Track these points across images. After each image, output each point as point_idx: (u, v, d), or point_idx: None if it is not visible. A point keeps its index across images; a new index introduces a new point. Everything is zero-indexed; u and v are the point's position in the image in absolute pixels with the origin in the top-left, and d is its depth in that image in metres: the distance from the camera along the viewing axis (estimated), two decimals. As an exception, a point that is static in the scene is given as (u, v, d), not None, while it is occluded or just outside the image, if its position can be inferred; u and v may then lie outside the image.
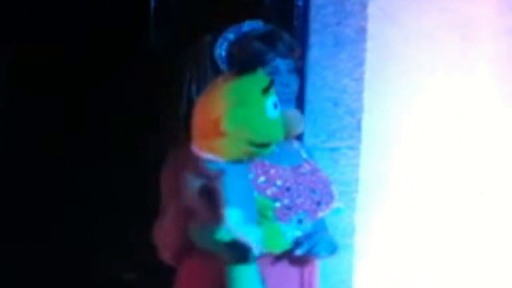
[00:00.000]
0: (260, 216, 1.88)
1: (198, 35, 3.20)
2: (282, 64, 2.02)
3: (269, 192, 1.94)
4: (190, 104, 2.10)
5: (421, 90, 2.74)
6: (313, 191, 2.04)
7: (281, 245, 1.89)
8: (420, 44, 2.96)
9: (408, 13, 3.02)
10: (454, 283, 2.86)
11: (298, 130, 1.98)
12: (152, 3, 3.55)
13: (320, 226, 2.10)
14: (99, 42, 3.94)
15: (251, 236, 1.75)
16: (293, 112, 1.96)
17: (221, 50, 2.05)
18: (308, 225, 2.02)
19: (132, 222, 3.86)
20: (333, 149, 2.82)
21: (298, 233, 1.98)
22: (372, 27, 2.91)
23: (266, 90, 1.80)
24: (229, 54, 2.04)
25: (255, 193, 1.90)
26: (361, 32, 2.89)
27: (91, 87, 3.99)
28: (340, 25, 2.88)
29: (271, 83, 1.82)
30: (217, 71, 2.06)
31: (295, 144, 2.16)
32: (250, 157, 1.84)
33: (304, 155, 2.15)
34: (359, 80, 2.85)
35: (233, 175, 1.80)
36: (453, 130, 2.79)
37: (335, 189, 2.11)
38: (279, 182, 1.97)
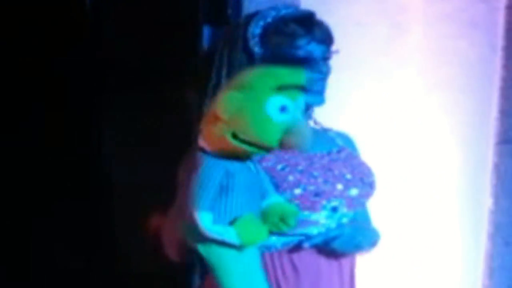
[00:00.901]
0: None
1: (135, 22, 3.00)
2: (317, 49, 2.03)
3: (291, 178, 1.94)
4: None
5: (350, 76, 2.67)
6: (344, 176, 2.03)
7: (257, 238, 1.81)
8: (350, 31, 2.82)
9: (339, 1, 2.88)
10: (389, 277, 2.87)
11: (300, 145, 1.81)
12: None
13: (362, 218, 2.14)
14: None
15: (227, 236, 1.76)
16: (302, 126, 1.80)
17: (255, 30, 2.04)
18: (346, 214, 2.02)
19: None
20: None
21: (332, 223, 1.99)
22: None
23: (279, 88, 1.76)
24: (264, 35, 2.03)
25: (277, 197, 1.90)
26: None
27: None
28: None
29: (289, 86, 1.78)
30: (249, 56, 2.04)
31: (331, 132, 2.19)
32: (234, 154, 1.79)
33: (340, 143, 2.17)
34: None
35: (208, 170, 1.79)
36: (379, 118, 2.79)
37: (374, 177, 2.11)
38: (300, 167, 1.97)
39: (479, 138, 3.00)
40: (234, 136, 1.75)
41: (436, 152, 3.01)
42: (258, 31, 2.05)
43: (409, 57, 2.91)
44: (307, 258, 2.00)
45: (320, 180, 1.97)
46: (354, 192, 2.02)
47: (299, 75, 1.81)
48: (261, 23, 2.06)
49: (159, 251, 3.14)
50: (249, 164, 1.85)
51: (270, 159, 1.96)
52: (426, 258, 3.04)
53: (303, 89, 1.81)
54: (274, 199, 1.88)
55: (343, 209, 2.01)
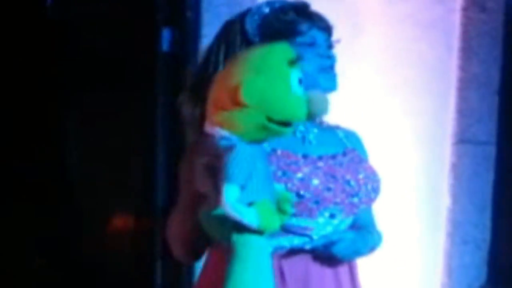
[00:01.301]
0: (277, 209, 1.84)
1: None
2: (320, 36, 2.03)
3: (289, 185, 1.92)
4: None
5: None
6: (348, 183, 2.01)
7: (274, 223, 1.78)
8: None
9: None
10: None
11: (323, 112, 1.89)
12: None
13: (367, 220, 2.16)
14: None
15: (246, 217, 1.72)
16: (319, 93, 1.86)
17: (254, 22, 2.02)
18: (345, 220, 2.02)
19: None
20: None
21: (329, 229, 1.99)
22: None
23: (293, 62, 1.77)
24: (263, 25, 2.01)
25: (276, 185, 1.88)
26: None
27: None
28: (231, 16, 2.55)
29: (299, 56, 1.79)
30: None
31: (340, 131, 2.17)
32: (268, 136, 1.78)
33: (348, 144, 2.14)
34: None
35: (243, 151, 1.75)
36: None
37: (379, 182, 2.10)
38: (299, 175, 1.95)
39: (437, 138, 3.02)
40: (269, 119, 1.73)
41: (395, 152, 3.02)
42: (257, 22, 2.02)
43: (368, 58, 2.93)
44: (297, 267, 1.99)
45: (321, 187, 1.94)
46: (356, 199, 2.01)
47: (293, 49, 1.80)
48: (259, 15, 2.03)
49: (121, 250, 3.16)
50: (265, 148, 1.84)
51: (272, 163, 1.92)
52: (385, 257, 2.89)
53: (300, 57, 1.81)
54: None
55: (342, 216, 1.99)
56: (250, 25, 2.01)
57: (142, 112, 2.87)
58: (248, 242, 1.75)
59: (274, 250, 1.93)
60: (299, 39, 1.97)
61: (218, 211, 1.72)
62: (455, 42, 3.06)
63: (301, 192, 1.90)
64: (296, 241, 1.95)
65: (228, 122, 1.74)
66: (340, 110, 2.37)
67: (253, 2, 2.63)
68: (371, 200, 2.04)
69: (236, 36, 2.02)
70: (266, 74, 1.73)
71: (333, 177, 1.96)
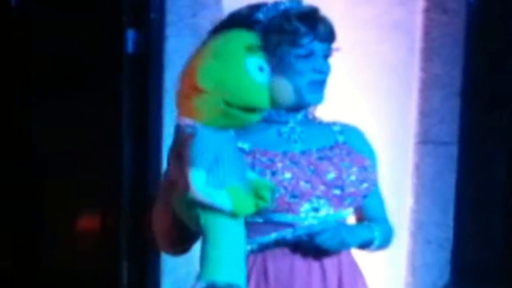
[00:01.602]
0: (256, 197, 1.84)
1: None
2: (319, 48, 2.01)
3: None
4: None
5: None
6: (329, 175, 2.00)
7: (247, 207, 1.80)
8: None
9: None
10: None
11: (287, 101, 1.90)
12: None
13: (374, 215, 2.16)
14: None
15: (218, 200, 1.75)
16: (285, 82, 1.88)
17: (260, 22, 2.00)
18: (333, 215, 2.00)
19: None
20: None
21: (316, 222, 1.97)
22: None
23: (250, 48, 1.79)
24: (265, 31, 1.97)
25: (253, 174, 1.90)
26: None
27: None
28: (195, 16, 2.81)
29: (261, 44, 1.81)
30: None
31: (337, 126, 2.15)
32: (234, 122, 1.80)
33: (341, 138, 2.12)
34: None
35: (205, 137, 1.78)
36: None
37: (372, 174, 2.08)
38: (269, 171, 1.95)
39: (399, 138, 3.03)
40: (228, 104, 1.75)
41: (358, 152, 3.05)
42: (259, 25, 2.00)
43: (331, 60, 2.94)
44: (281, 263, 2.00)
45: (295, 181, 1.95)
46: (338, 191, 1.99)
47: (252, 36, 1.83)
48: (263, 17, 2.01)
49: (86, 250, 3.15)
50: (233, 138, 1.84)
51: (246, 162, 1.93)
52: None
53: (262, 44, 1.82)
54: (249, 177, 1.86)
55: (329, 210, 1.98)
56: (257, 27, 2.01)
57: (107, 112, 2.88)
58: (220, 225, 1.76)
59: (258, 247, 1.94)
60: (298, 51, 1.96)
61: (187, 196, 1.71)
62: (417, 43, 3.08)
63: (276, 186, 1.90)
64: (280, 235, 1.95)
65: (191, 110, 1.76)
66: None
67: (217, 3, 2.83)
68: (359, 191, 2.01)
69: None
70: (222, 60, 1.75)
71: (313, 171, 1.96)
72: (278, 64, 1.97)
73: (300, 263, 1.98)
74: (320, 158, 2.00)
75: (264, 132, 2.02)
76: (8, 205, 3.47)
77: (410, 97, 3.07)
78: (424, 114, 3.04)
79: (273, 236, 1.95)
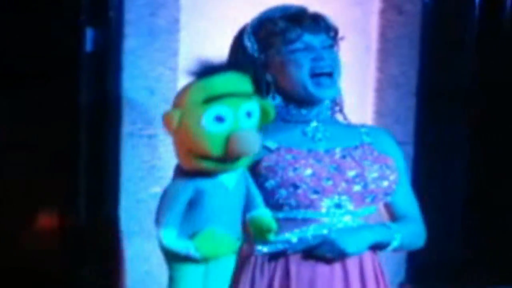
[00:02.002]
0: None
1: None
2: (314, 40, 2.06)
3: (285, 177, 1.99)
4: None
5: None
6: (351, 172, 2.05)
7: (217, 251, 1.86)
8: (226, 32, 2.66)
9: (213, 3, 2.90)
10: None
11: (242, 152, 1.79)
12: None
13: (404, 213, 2.19)
14: None
15: (185, 250, 1.80)
16: (245, 134, 1.79)
17: (250, 37, 2.11)
18: (353, 212, 2.05)
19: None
20: (151, 136, 2.86)
21: (336, 221, 2.02)
22: (184, 18, 2.83)
23: (208, 100, 1.80)
24: (258, 39, 2.10)
25: (262, 211, 1.91)
26: (174, 22, 2.81)
27: None
28: (153, 16, 2.80)
29: (219, 94, 1.79)
30: (253, 62, 2.09)
31: (364, 128, 2.21)
32: (212, 169, 1.81)
33: (367, 139, 2.17)
34: (174, 69, 2.85)
35: (180, 189, 1.84)
36: None
37: (391, 175, 2.10)
38: (297, 165, 2.01)
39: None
40: (189, 152, 1.80)
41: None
42: (252, 37, 2.10)
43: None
44: (303, 267, 2.03)
45: (317, 177, 1.99)
46: (359, 188, 2.04)
47: (233, 83, 1.83)
48: (251, 29, 2.11)
49: (47, 254, 3.10)
50: (226, 181, 1.84)
51: (271, 159, 2.00)
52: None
53: (248, 95, 1.82)
54: (258, 212, 1.91)
55: (349, 206, 2.03)
56: (248, 41, 2.10)
57: (66, 110, 2.87)
58: (182, 269, 1.84)
59: (276, 251, 2.02)
60: (292, 46, 2.02)
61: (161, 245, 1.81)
62: (374, 44, 3.10)
63: (297, 183, 1.95)
64: (279, 247, 2.01)
65: (180, 156, 1.85)
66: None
67: (175, 2, 2.82)
68: (380, 189, 2.05)
69: (239, 55, 2.10)
70: (182, 110, 1.78)
71: (335, 168, 2.01)
72: (281, 65, 2.06)
73: (322, 265, 2.02)
74: (343, 156, 2.05)
75: (290, 132, 2.09)
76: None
77: (366, 97, 3.08)
78: (380, 114, 3.07)
79: (266, 250, 2.03)
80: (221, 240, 1.84)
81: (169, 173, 2.70)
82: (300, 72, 2.05)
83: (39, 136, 3.00)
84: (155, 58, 2.81)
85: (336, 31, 2.13)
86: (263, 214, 1.90)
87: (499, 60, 3.68)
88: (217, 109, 1.77)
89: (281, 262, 2.04)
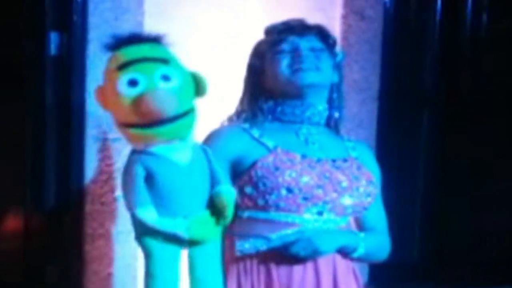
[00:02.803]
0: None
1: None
2: (301, 43, 2.17)
3: (280, 180, 2.03)
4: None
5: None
6: (340, 184, 2.10)
7: (207, 234, 1.89)
8: (187, 33, 2.86)
9: (177, 8, 2.90)
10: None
11: (154, 111, 1.78)
12: None
13: (372, 225, 2.26)
14: None
15: (176, 228, 1.83)
16: (157, 92, 1.80)
17: (254, 51, 2.29)
18: (335, 220, 2.12)
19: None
20: (115, 140, 2.82)
21: (317, 225, 2.08)
22: (148, 21, 2.83)
23: (121, 67, 1.84)
24: (257, 50, 2.27)
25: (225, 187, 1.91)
26: (139, 26, 2.79)
27: None
28: (117, 20, 2.78)
29: (131, 61, 1.83)
30: (256, 69, 2.25)
31: (350, 142, 2.29)
32: (146, 140, 1.84)
33: (353, 154, 2.24)
34: None
35: (133, 168, 1.84)
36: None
37: (372, 190, 2.17)
38: (288, 172, 2.05)
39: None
40: (119, 123, 1.85)
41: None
42: (256, 53, 2.26)
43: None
44: (282, 266, 2.09)
45: (311, 184, 2.05)
46: (347, 200, 2.10)
47: (146, 50, 1.87)
48: (255, 46, 2.28)
49: (7, 254, 3.08)
50: (172, 158, 1.84)
51: (268, 159, 2.06)
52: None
53: (157, 60, 1.85)
54: (218, 188, 1.90)
55: (330, 215, 2.10)
56: (252, 53, 2.29)
57: (31, 114, 2.85)
58: (165, 248, 1.85)
59: (256, 251, 2.08)
60: (279, 47, 2.17)
61: (143, 229, 1.84)
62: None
63: (291, 187, 2.02)
64: (257, 244, 2.08)
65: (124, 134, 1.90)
66: (208, 115, 2.36)
67: (139, 7, 2.81)
68: (362, 203, 2.14)
69: (248, 68, 2.29)
70: (104, 82, 1.88)
71: (327, 177, 2.09)
72: (269, 65, 2.20)
73: (296, 265, 2.09)
74: (334, 167, 2.12)
75: (285, 133, 2.17)
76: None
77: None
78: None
79: (247, 246, 2.09)
80: (209, 224, 1.87)
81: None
82: (281, 66, 2.16)
83: (3, 139, 3.00)
84: None
85: (334, 41, 2.25)
86: (222, 190, 1.89)
87: (458, 64, 3.70)
88: (130, 74, 1.81)
89: (263, 265, 2.09)
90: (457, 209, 3.76)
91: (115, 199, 2.79)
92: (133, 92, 1.80)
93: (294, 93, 2.17)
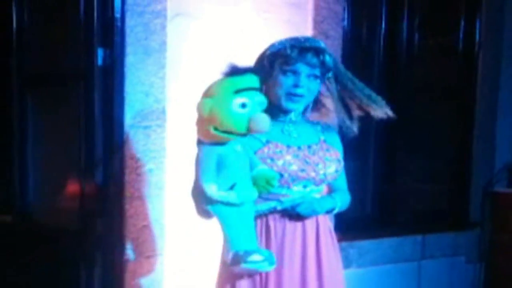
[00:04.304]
0: (264, 184, 1.95)
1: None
2: (303, 69, 2.08)
3: (275, 168, 2.02)
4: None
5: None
6: (317, 165, 2.09)
7: (250, 196, 1.94)
8: (202, 52, 2.86)
9: (194, 31, 2.88)
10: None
11: (260, 130, 1.89)
12: None
13: (338, 187, 2.24)
14: None
15: (230, 199, 1.87)
16: (261, 116, 1.88)
17: (266, 58, 2.13)
18: (316, 189, 2.12)
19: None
20: (146, 127, 2.81)
21: (302, 194, 2.07)
22: (170, 41, 2.81)
23: (237, 91, 1.86)
24: (270, 58, 2.12)
25: (263, 167, 1.99)
26: (163, 44, 2.80)
27: None
28: (147, 39, 2.77)
29: (244, 89, 1.86)
30: (266, 71, 2.12)
31: (320, 126, 2.22)
32: (221, 140, 1.88)
33: (322, 137, 2.20)
34: (162, 78, 2.82)
35: (208, 153, 1.89)
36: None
37: (338, 166, 2.15)
38: (280, 162, 2.04)
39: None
40: (215, 129, 1.86)
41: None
42: (267, 59, 2.12)
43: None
44: (278, 223, 2.10)
45: (296, 168, 2.06)
46: (322, 176, 2.11)
47: (251, 81, 1.90)
48: (269, 52, 2.13)
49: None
50: (235, 147, 1.93)
51: (264, 152, 2.05)
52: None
53: (258, 89, 1.91)
54: (260, 168, 1.98)
55: (312, 186, 2.11)
56: (266, 61, 2.12)
57: (82, 107, 2.84)
58: (232, 213, 1.93)
59: (262, 212, 2.07)
60: (286, 68, 2.07)
61: (206, 199, 1.90)
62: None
63: (283, 173, 2.03)
64: (272, 205, 2.07)
65: (198, 131, 1.91)
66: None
67: (162, 30, 2.79)
68: (333, 176, 2.15)
69: (258, 67, 2.11)
70: (214, 98, 1.86)
71: (307, 162, 2.08)
72: (274, 81, 2.10)
73: (289, 224, 2.10)
74: (312, 153, 2.11)
75: (274, 129, 2.09)
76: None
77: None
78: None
79: (266, 206, 2.07)
80: (250, 188, 1.93)
81: (160, 153, 2.79)
82: (280, 90, 2.10)
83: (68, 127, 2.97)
84: (149, 70, 2.79)
85: (328, 69, 2.12)
86: (264, 169, 1.98)
87: (396, 70, 3.68)
88: (242, 99, 1.85)
89: (263, 221, 2.10)
90: (398, 177, 3.76)
91: (147, 171, 2.77)
92: (243, 112, 1.85)
93: (282, 109, 2.15)
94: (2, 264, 3.02)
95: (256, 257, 1.93)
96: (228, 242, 1.96)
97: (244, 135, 1.88)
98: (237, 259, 1.92)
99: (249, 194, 1.94)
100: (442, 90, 3.91)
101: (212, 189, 1.88)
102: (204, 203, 1.94)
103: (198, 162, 1.92)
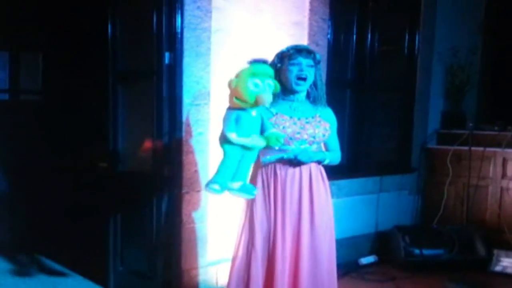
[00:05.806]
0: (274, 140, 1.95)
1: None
2: (303, 61, 2.12)
3: (279, 130, 2.04)
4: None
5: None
6: (308, 130, 2.11)
7: (275, 143, 1.94)
8: (237, 54, 2.84)
9: (232, 38, 2.85)
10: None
11: (261, 104, 1.91)
12: None
13: (331, 147, 2.24)
14: None
15: (252, 141, 1.87)
16: (264, 95, 1.89)
17: (277, 55, 2.19)
18: (309, 147, 2.12)
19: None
20: (197, 105, 2.79)
21: (300, 149, 2.07)
22: (213, 47, 2.83)
23: (253, 74, 1.87)
24: (280, 57, 2.16)
25: (273, 130, 2.01)
26: (208, 50, 2.82)
27: None
28: (198, 46, 2.81)
29: (258, 73, 1.88)
30: (277, 67, 2.15)
31: (319, 107, 2.21)
32: (241, 107, 1.89)
33: (318, 113, 2.18)
34: (208, 72, 2.81)
35: (230, 114, 1.90)
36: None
37: (325, 132, 2.15)
38: (283, 126, 2.06)
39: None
40: (236, 98, 1.92)
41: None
42: (277, 57, 2.17)
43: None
44: (283, 168, 2.12)
45: (293, 132, 2.10)
46: (311, 138, 2.13)
47: (265, 69, 1.94)
48: (278, 53, 2.19)
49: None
50: (251, 112, 1.94)
51: (273, 120, 2.09)
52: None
53: (270, 76, 1.95)
54: (271, 131, 2.03)
55: (306, 144, 2.13)
56: (276, 57, 2.18)
57: (155, 95, 2.79)
58: (230, 147, 1.93)
59: (273, 160, 2.10)
60: (292, 61, 2.11)
61: (227, 141, 1.91)
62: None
63: (284, 134, 2.07)
64: (280, 155, 2.10)
65: (228, 100, 1.97)
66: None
67: (208, 39, 2.80)
68: (320, 138, 2.16)
69: (272, 63, 2.15)
70: (239, 78, 1.92)
71: (302, 127, 2.12)
72: (285, 70, 2.15)
73: (290, 170, 2.13)
74: (307, 122, 2.14)
75: (283, 105, 2.15)
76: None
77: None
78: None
79: (277, 156, 2.11)
80: (259, 140, 1.95)
81: (206, 122, 2.76)
82: (291, 76, 2.13)
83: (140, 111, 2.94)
84: (199, 68, 2.79)
85: (318, 61, 2.19)
86: (274, 131, 2.03)
87: (363, 67, 3.68)
88: (255, 80, 1.90)
89: (272, 167, 2.14)
90: (365, 139, 3.79)
91: (197, 134, 2.79)
92: (255, 90, 1.90)
93: (292, 90, 2.18)
94: (101, 195, 3.07)
95: (235, 184, 1.98)
96: (216, 173, 1.96)
97: (252, 105, 1.90)
98: (217, 183, 1.94)
99: (258, 142, 1.95)
100: (393, 82, 4.01)
101: (232, 135, 1.90)
102: (222, 144, 1.98)
103: (224, 119, 1.95)
